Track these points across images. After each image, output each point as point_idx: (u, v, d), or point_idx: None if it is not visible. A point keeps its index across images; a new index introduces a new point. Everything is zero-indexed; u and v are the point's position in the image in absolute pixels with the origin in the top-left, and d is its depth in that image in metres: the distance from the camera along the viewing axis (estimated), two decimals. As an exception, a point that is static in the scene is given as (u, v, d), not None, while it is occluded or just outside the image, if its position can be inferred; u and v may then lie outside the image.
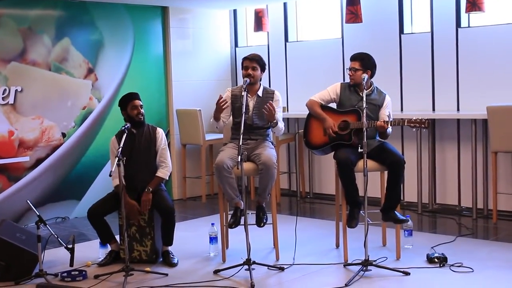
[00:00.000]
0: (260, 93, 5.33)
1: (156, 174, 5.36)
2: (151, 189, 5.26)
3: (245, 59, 5.32)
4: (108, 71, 7.60)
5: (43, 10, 7.09)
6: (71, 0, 7.22)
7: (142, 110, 5.38)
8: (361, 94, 5.07)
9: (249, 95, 5.27)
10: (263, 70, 5.34)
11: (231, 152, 5.18)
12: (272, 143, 5.40)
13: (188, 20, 8.37)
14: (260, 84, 5.35)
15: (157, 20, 8.11)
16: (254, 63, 5.27)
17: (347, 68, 5.37)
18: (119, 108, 5.43)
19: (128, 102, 5.36)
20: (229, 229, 5.43)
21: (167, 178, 5.45)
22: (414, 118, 5.00)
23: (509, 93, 6.49)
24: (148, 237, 5.34)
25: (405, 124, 5.02)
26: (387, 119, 5.11)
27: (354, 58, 5.34)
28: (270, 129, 5.40)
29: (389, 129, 5.17)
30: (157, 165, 5.41)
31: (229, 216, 5.29)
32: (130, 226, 5.34)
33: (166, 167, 5.40)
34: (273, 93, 5.38)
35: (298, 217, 6.01)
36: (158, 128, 5.48)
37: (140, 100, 5.39)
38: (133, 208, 5.20)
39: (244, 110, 4.98)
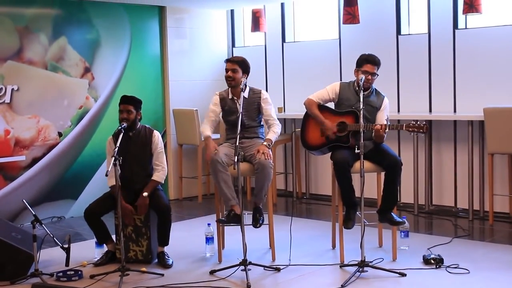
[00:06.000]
0: (246, 94, 5.29)
1: (152, 178, 5.34)
2: (147, 193, 5.26)
3: (226, 61, 5.34)
4: (105, 70, 7.58)
5: (40, 8, 7.08)
6: (68, -1, 7.23)
7: (131, 116, 5.26)
8: (359, 95, 5.04)
9: (235, 97, 5.27)
10: (245, 72, 5.29)
11: (227, 150, 5.17)
12: (268, 142, 5.40)
13: (185, 20, 8.37)
14: (246, 86, 5.29)
15: (154, 20, 8.11)
16: (235, 66, 5.26)
17: (363, 70, 5.12)
18: None
19: (119, 104, 5.36)
20: (225, 228, 5.42)
21: (163, 182, 5.43)
22: (412, 123, 4.97)
23: (505, 95, 6.50)
24: (144, 237, 5.33)
25: (403, 129, 4.99)
26: (385, 123, 5.09)
27: (376, 63, 5.17)
28: (262, 128, 5.41)
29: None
30: (153, 168, 5.40)
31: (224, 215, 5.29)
32: (126, 226, 5.33)
33: (162, 171, 5.39)
34: (260, 93, 5.35)
35: (295, 217, 6.02)
36: (154, 131, 5.45)
37: (133, 105, 5.30)
38: (126, 211, 5.18)
39: (241, 110, 4.97)
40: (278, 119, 5.40)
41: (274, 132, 5.28)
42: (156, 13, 8.11)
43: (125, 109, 5.30)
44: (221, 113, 5.40)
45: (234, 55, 5.40)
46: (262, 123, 5.43)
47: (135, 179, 5.30)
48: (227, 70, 5.28)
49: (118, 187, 4.90)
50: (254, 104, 5.30)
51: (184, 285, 4.76)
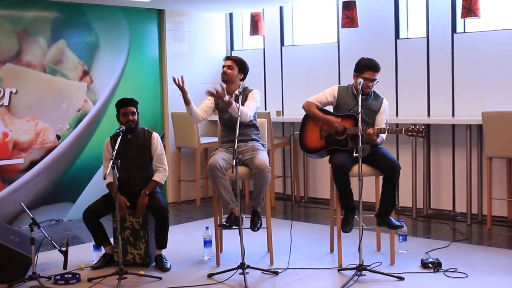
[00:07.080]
0: (237, 92, 5.26)
1: (153, 178, 5.35)
2: (147, 192, 5.26)
3: (225, 58, 5.39)
4: (104, 73, 7.58)
5: (39, 11, 7.08)
6: (67, 2, 7.20)
7: (135, 117, 5.31)
8: (358, 99, 5.03)
9: (228, 94, 5.26)
10: (241, 71, 5.32)
11: (224, 155, 5.18)
12: (263, 145, 5.40)
13: (184, 23, 8.37)
14: (239, 85, 5.25)
15: (153, 23, 8.11)
16: (230, 62, 5.30)
17: (364, 77, 5.09)
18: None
19: (120, 108, 5.35)
20: (222, 232, 5.42)
21: (163, 183, 5.43)
22: (411, 127, 4.97)
23: (504, 99, 6.50)
24: (142, 240, 5.32)
25: (402, 133, 4.99)
26: (383, 127, 5.08)
27: (377, 69, 5.14)
28: (258, 129, 5.40)
29: (383, 137, 5.16)
30: (154, 169, 5.40)
31: (224, 219, 5.28)
32: (124, 229, 5.33)
33: (163, 172, 5.40)
34: (251, 91, 5.34)
35: (293, 221, 6.01)
36: (154, 133, 5.46)
37: (134, 107, 5.34)
38: (121, 203, 5.14)
39: (239, 105, 4.96)
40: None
41: (244, 107, 5.14)
42: (155, 16, 8.12)
43: (130, 111, 5.31)
44: (213, 105, 5.39)
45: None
46: (257, 123, 5.42)
47: (133, 181, 5.30)
48: (223, 67, 5.32)
49: (115, 187, 4.92)
50: (244, 100, 5.28)
51: (182, 289, 4.76)
